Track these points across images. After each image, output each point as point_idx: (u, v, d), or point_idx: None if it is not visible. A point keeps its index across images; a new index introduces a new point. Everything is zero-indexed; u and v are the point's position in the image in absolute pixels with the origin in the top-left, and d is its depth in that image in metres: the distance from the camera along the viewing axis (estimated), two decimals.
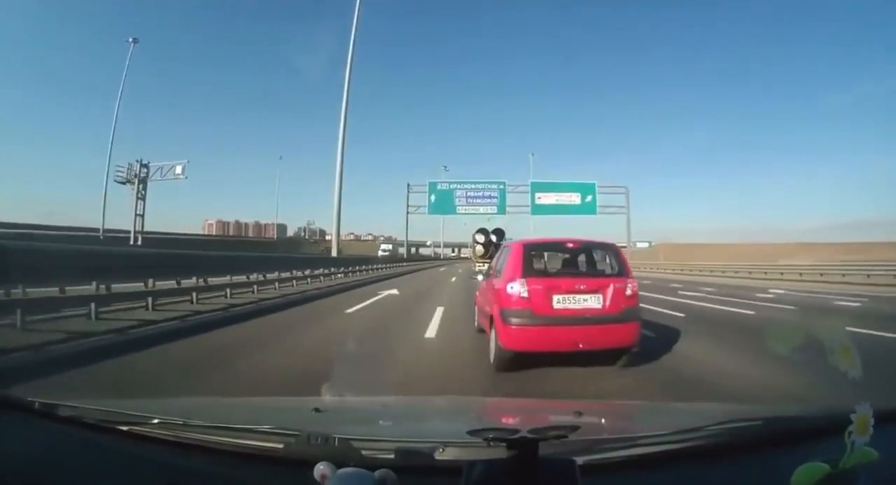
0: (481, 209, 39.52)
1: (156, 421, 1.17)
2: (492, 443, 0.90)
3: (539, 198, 39.25)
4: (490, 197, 39.56)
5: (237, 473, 1.04)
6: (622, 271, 4.87)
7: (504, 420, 1.69)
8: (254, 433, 1.11)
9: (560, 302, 4.53)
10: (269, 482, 1.02)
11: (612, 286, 4.63)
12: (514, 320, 4.49)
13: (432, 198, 40.18)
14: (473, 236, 23.23)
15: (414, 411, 1.91)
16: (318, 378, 2.03)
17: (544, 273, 5.07)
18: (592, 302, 4.57)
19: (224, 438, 1.11)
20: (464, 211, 40.16)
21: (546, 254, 5.83)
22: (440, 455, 1.01)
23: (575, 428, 0.92)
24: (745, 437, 1.17)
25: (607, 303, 4.57)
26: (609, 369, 4.51)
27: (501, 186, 40.04)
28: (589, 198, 39.21)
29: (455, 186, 40.56)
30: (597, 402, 3.01)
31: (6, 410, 1.25)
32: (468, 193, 39.85)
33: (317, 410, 1.52)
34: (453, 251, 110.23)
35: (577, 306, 4.54)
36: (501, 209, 39.51)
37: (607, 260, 5.22)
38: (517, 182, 40.86)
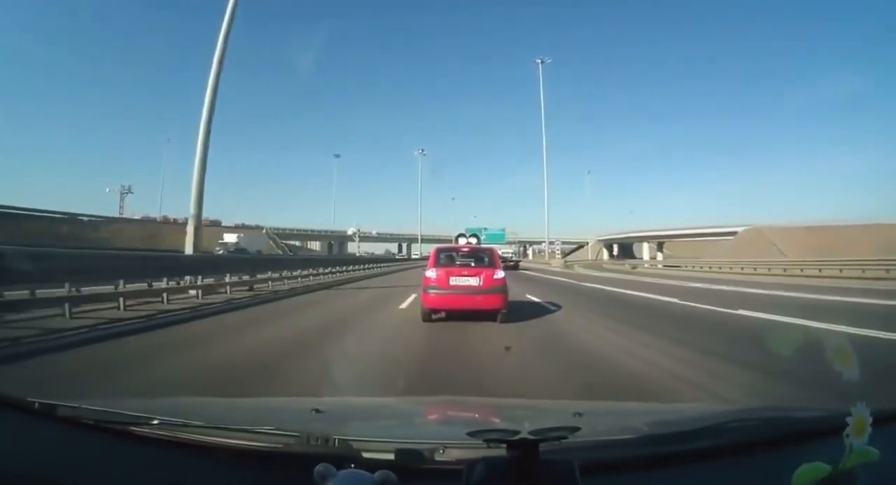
0: None
1: (156, 421, 1.17)
2: (492, 444, 0.90)
3: None
4: None
5: (237, 473, 1.04)
6: (493, 265, 8.21)
7: (504, 421, 1.69)
8: (254, 433, 1.12)
9: (454, 281, 7.85)
10: (269, 483, 1.02)
11: (485, 272, 7.91)
12: (430, 291, 7.81)
13: None
14: (456, 239, 22.91)
15: (414, 411, 1.91)
16: None
17: (448, 265, 8.29)
18: (473, 281, 7.83)
19: (224, 438, 1.11)
20: None
21: (452, 253, 8.92)
22: (440, 456, 1.01)
23: (575, 429, 0.92)
24: (745, 437, 1.17)
25: (482, 282, 7.81)
26: (492, 322, 7.51)
27: None
28: None
29: None
30: (597, 402, 3.01)
31: (6, 410, 1.25)
32: None
33: (317, 410, 1.53)
34: (401, 249, 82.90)
35: (464, 283, 7.83)
36: None
37: (486, 258, 8.48)
38: None
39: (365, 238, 75.64)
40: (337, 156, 76.42)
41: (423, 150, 73.19)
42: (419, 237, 72.65)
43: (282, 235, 68.64)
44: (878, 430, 0.83)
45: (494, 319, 7.58)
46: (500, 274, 7.96)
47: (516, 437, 0.86)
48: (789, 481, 0.81)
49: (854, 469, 0.81)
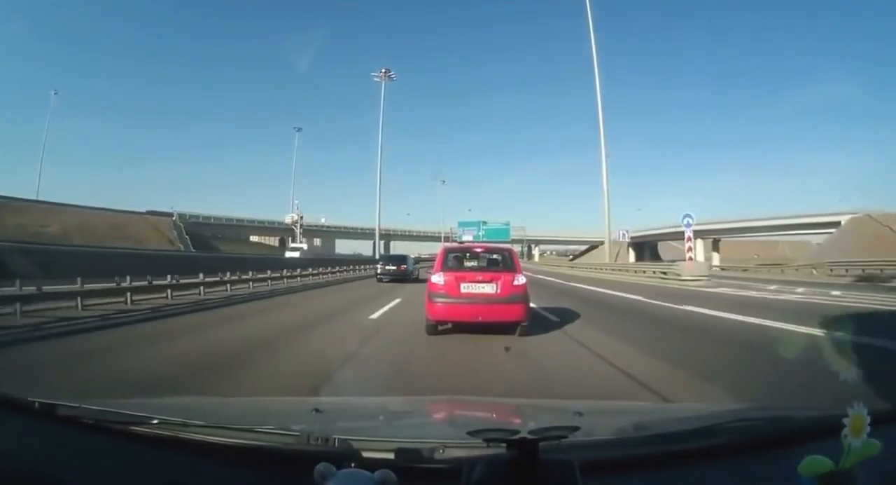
0: None
1: (156, 421, 1.17)
2: (492, 443, 0.90)
3: None
4: None
5: (237, 473, 1.05)
6: (512, 268, 7.05)
7: (504, 420, 1.69)
8: (254, 433, 1.12)
9: (466, 288, 6.67)
10: (269, 482, 1.02)
11: (503, 278, 6.71)
12: (436, 300, 6.68)
13: None
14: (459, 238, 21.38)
15: (414, 411, 1.91)
16: None
17: (457, 268, 7.20)
18: (488, 289, 6.64)
19: (224, 438, 1.11)
20: None
21: (462, 255, 7.93)
22: (440, 456, 1.01)
23: (575, 428, 0.92)
24: (745, 437, 1.17)
25: (499, 289, 6.61)
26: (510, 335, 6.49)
27: None
28: None
29: None
30: (597, 402, 3.01)
31: (6, 410, 1.25)
32: None
33: (317, 410, 1.53)
34: (372, 246, 51.43)
35: (477, 291, 6.65)
36: None
37: (503, 259, 7.44)
38: None
39: (312, 231, 57.37)
40: (298, 130, 59.07)
41: (388, 70, 47.49)
42: (377, 231, 48.80)
43: (208, 224, 51.25)
44: (876, 430, 0.83)
45: (512, 333, 6.55)
46: (520, 280, 6.78)
47: (516, 436, 0.86)
48: (788, 481, 0.81)
49: (853, 468, 0.81)
